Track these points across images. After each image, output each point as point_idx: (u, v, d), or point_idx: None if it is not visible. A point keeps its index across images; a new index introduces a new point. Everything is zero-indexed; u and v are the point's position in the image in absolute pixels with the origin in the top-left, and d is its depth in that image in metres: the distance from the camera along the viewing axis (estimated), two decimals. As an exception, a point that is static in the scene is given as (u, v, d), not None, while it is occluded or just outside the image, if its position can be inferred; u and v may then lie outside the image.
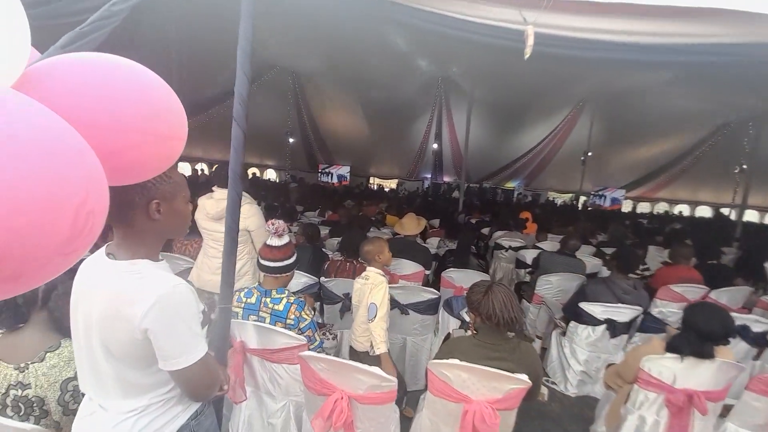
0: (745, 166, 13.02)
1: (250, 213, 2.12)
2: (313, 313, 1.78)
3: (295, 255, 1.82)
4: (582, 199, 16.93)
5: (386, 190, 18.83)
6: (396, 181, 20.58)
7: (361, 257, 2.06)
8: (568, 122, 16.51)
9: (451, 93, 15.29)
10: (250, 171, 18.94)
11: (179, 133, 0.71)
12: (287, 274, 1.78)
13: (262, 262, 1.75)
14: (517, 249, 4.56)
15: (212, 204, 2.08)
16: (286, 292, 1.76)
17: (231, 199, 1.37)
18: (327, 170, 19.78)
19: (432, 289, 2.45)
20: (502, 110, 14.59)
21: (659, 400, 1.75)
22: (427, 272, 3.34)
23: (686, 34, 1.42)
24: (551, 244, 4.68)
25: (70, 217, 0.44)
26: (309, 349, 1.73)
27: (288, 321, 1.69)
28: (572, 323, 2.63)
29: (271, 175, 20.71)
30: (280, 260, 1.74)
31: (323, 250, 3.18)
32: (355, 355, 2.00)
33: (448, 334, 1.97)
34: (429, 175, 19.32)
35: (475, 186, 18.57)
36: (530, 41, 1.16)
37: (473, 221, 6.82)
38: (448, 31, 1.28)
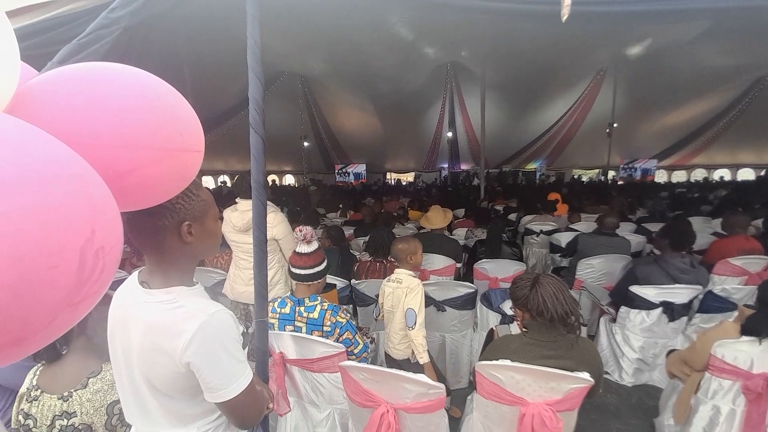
0: (791, 121, 11.92)
1: (276, 221, 2.09)
2: (348, 315, 1.73)
3: (326, 260, 1.77)
4: (611, 173, 16.09)
5: (404, 183, 18.66)
6: (413, 174, 20.40)
7: (393, 256, 1.97)
8: (588, 94, 15.73)
9: (461, 78, 14.91)
10: (270, 178, 19.36)
11: (195, 145, 0.64)
12: (319, 281, 1.73)
13: (294, 270, 1.71)
14: (549, 233, 4.34)
15: (237, 216, 2.07)
16: (319, 298, 1.72)
17: (256, 209, 1.32)
18: (344, 170, 19.89)
19: (467, 283, 2.34)
20: (516, 89, 14.08)
21: (735, 388, 1.58)
22: (459, 265, 3.22)
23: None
24: (586, 224, 4.43)
25: (74, 261, 0.37)
26: (354, 353, 1.68)
27: (325, 328, 1.65)
28: (623, 308, 2.44)
29: (290, 180, 21.06)
30: (310, 267, 1.69)
31: (350, 251, 3.13)
32: (393, 363, 1.92)
33: (491, 330, 1.85)
34: (446, 165, 19.00)
35: (494, 171, 18.07)
36: (567, 0, 1.03)
37: (498, 208, 6.59)
38: (479, 4, 1.16)
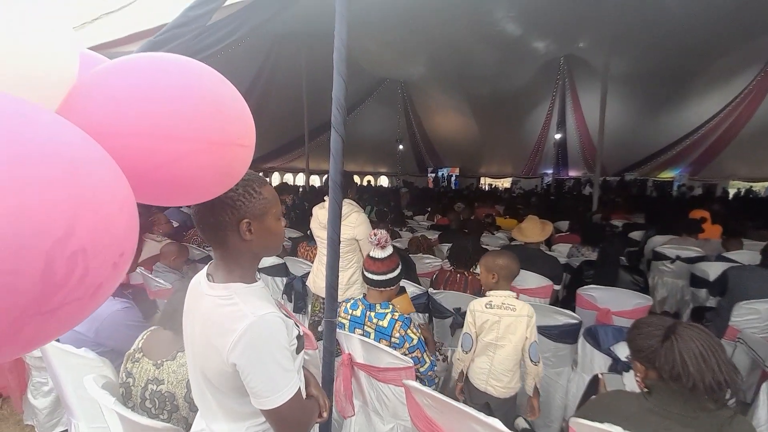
0: None
1: (359, 221, 2.11)
2: (419, 331, 1.61)
3: (400, 267, 1.70)
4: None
5: (500, 190, 17.46)
6: (510, 179, 18.94)
7: (493, 271, 1.70)
8: (756, 87, 12.07)
9: (576, 72, 13.22)
10: (366, 179, 20.53)
11: (241, 139, 0.61)
12: (392, 287, 1.66)
13: (366, 274, 1.68)
14: (691, 261, 3.40)
15: (324, 213, 2.16)
16: (391, 306, 1.65)
17: (332, 209, 1.31)
18: (436, 172, 19.73)
19: (569, 312, 1.97)
20: (649, 83, 11.77)
21: None
22: (557, 287, 2.77)
23: None
24: (749, 254, 3.33)
25: (38, 264, 0.31)
26: (420, 372, 1.57)
27: (393, 339, 1.57)
28: (810, 380, 1.71)
29: (383, 181, 21.95)
30: (383, 273, 1.64)
31: (409, 255, 2.98)
32: (479, 395, 1.69)
33: (596, 378, 1.49)
34: (550, 171, 17.06)
35: (613, 179, 15.38)
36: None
37: (616, 223, 5.52)
38: None
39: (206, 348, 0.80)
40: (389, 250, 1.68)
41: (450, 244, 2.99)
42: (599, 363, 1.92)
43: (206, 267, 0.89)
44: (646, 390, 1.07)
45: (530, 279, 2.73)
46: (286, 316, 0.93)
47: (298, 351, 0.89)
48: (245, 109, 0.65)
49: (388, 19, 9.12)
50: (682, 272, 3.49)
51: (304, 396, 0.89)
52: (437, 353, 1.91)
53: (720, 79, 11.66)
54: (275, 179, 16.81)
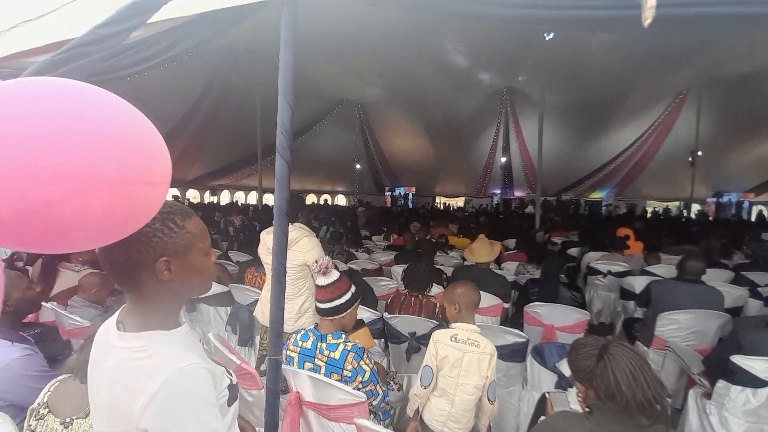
0: None
1: (310, 246, 2.03)
2: (373, 361, 1.55)
3: (351, 292, 1.63)
4: (695, 207, 14.02)
5: (453, 209, 18.20)
6: (463, 198, 19.88)
7: (454, 301, 1.63)
8: (666, 118, 14.20)
9: (517, 102, 14.50)
10: (323, 197, 20.25)
11: (151, 175, 0.54)
12: (342, 315, 1.59)
13: (317, 305, 1.61)
14: (619, 275, 3.76)
15: (271, 238, 2.05)
16: (343, 336, 1.57)
17: (277, 238, 1.24)
18: (393, 191, 20.06)
19: (517, 331, 2.03)
20: (579, 114, 13.26)
21: None
22: (506, 305, 2.88)
23: None
24: (667, 268, 3.77)
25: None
26: (373, 405, 1.50)
27: (345, 372, 1.49)
28: (721, 382, 1.93)
29: (341, 200, 21.82)
30: (329, 300, 1.57)
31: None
32: None
33: (543, 398, 1.53)
34: (498, 191, 18.22)
35: (552, 199, 16.82)
36: (650, 2, 0.82)
37: (556, 240, 5.98)
38: (535, 12, 1.00)
39: (112, 412, 0.67)
40: (334, 276, 1.62)
41: (405, 266, 3.00)
42: (546, 380, 2.00)
43: (117, 313, 0.76)
44: (587, 410, 1.11)
45: (482, 298, 2.80)
46: (216, 363, 0.83)
47: (230, 403, 0.79)
48: (158, 141, 0.57)
49: (343, 42, 9.35)
50: (613, 286, 3.84)
51: None
52: (391, 382, 1.85)
53: (635, 112, 13.54)
54: (225, 197, 15.92)
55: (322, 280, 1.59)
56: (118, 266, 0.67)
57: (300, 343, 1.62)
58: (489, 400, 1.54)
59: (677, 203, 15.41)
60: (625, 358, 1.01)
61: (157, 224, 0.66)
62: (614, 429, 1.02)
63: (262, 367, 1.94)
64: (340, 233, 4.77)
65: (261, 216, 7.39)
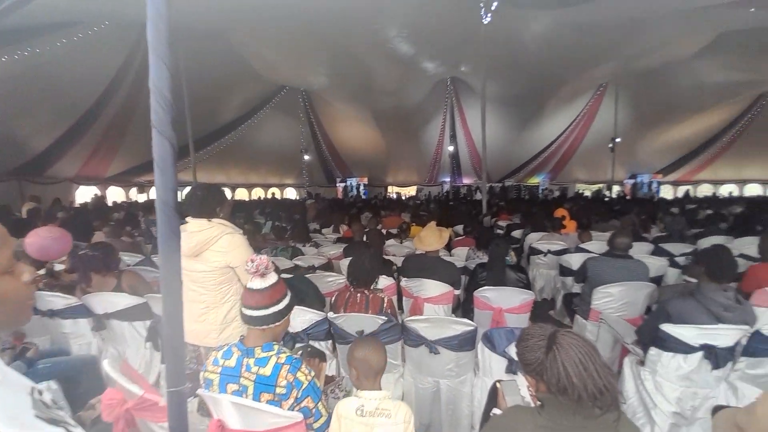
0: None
1: (233, 245, 1.73)
2: (313, 374, 1.32)
3: (288, 297, 1.39)
4: (615, 188, 15.71)
5: (404, 198, 18.35)
6: (415, 187, 20.16)
7: (348, 363, 1.40)
8: (590, 109, 15.62)
9: (462, 92, 14.90)
10: (270, 191, 19.17)
11: None
12: (277, 323, 1.34)
13: (245, 311, 1.33)
14: (558, 253, 3.95)
15: (185, 238, 1.71)
16: (276, 348, 1.33)
17: (164, 239, 0.96)
18: (345, 182, 19.67)
19: (465, 320, 1.95)
20: (517, 104, 14.01)
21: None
22: (457, 292, 2.83)
23: None
24: (599, 244, 4.04)
25: None
26: (314, 429, 1.28)
27: (278, 389, 1.25)
28: (653, 350, 2.04)
29: (291, 193, 20.87)
30: (265, 307, 1.31)
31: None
32: None
33: (495, 387, 1.45)
34: (448, 179, 18.76)
35: (497, 185, 17.76)
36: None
37: (502, 224, 6.21)
38: None
39: None
40: (272, 279, 1.36)
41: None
42: (497, 365, 1.95)
43: None
44: (539, 403, 1.03)
45: (432, 287, 2.72)
46: (51, 421, 0.56)
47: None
48: None
49: (282, 24, 8.70)
50: (552, 264, 4.03)
51: None
52: (336, 389, 1.66)
53: (565, 102, 14.68)
54: (151, 194, 14.22)
55: (258, 283, 1.33)
56: None
57: (221, 361, 1.34)
58: None
59: (601, 185, 17.18)
60: (574, 348, 0.93)
61: None
62: (564, 423, 0.94)
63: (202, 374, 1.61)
64: (283, 228, 4.42)
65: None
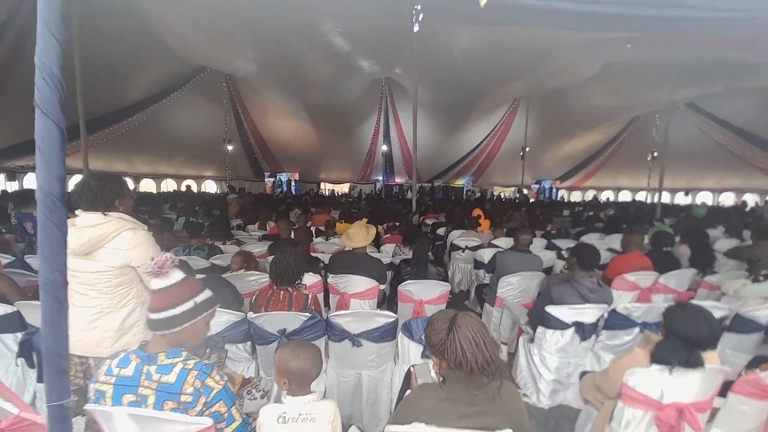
0: (656, 154, 14.78)
1: (135, 242, 1.55)
2: (225, 379, 1.26)
3: (198, 298, 1.29)
4: (525, 191, 17.90)
5: (338, 194, 18.23)
6: (348, 185, 20.14)
7: (279, 372, 1.32)
8: (506, 120, 17.44)
9: (396, 94, 15.34)
10: (185, 183, 17.22)
11: None
12: (181, 327, 1.23)
13: (148, 314, 1.22)
14: (473, 249, 4.38)
15: (74, 234, 1.48)
16: (183, 354, 1.23)
17: (44, 235, 0.84)
18: (275, 177, 18.71)
19: (387, 312, 2.07)
20: (446, 109, 14.97)
21: (647, 418, 1.55)
22: (382, 287, 2.96)
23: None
24: (507, 240, 4.59)
25: None
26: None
27: (183, 397, 1.17)
28: (540, 328, 2.42)
29: (210, 187, 19.07)
30: (168, 308, 1.21)
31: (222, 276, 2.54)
32: None
33: (409, 371, 1.59)
34: (380, 177, 19.17)
35: (426, 185, 18.76)
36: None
37: (428, 222, 6.62)
38: None
39: None
40: (176, 276, 1.25)
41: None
42: (414, 352, 2.11)
43: None
44: (441, 379, 1.16)
45: (358, 283, 2.80)
46: None
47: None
48: None
49: (204, 1, 7.91)
50: (469, 258, 4.46)
51: None
52: (253, 390, 1.62)
53: (487, 112, 16.16)
54: (32, 182, 11.70)
55: (158, 282, 1.21)
56: None
57: (115, 370, 1.20)
58: None
59: (512, 188, 19.42)
60: (468, 327, 1.09)
61: None
62: (462, 393, 1.09)
63: (89, 394, 1.40)
64: (199, 224, 4.05)
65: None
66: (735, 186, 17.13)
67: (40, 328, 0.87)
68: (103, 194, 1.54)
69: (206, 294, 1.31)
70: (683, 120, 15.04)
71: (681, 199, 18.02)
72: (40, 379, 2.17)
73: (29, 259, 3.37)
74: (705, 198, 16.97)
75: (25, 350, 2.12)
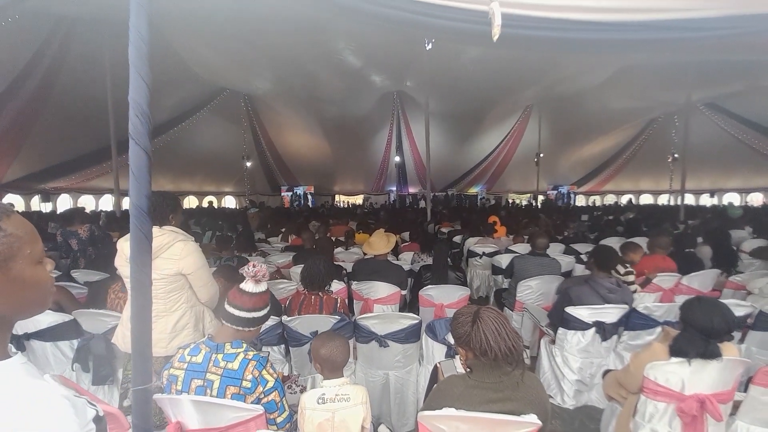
0: (677, 155, 14.42)
1: (185, 252, 1.74)
2: (276, 373, 1.42)
3: (268, 309, 1.48)
4: (540, 197, 17.69)
5: (351, 206, 18.49)
6: (362, 196, 20.42)
7: (314, 358, 1.56)
8: (518, 127, 17.43)
9: (407, 106, 15.64)
10: (207, 200, 17.90)
11: None
12: (255, 328, 1.43)
13: (230, 309, 1.39)
14: (491, 255, 4.44)
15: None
16: (244, 345, 1.40)
17: (136, 243, 1.02)
18: (291, 191, 19.19)
19: (411, 314, 2.18)
20: (458, 119, 15.12)
21: (670, 410, 1.59)
22: (404, 292, 3.08)
23: (658, 9, 1.34)
24: (525, 246, 4.63)
25: None
26: (277, 423, 1.38)
27: (244, 383, 1.33)
28: (561, 330, 2.47)
29: (230, 202, 19.70)
30: (252, 310, 1.39)
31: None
32: None
33: (435, 367, 1.69)
34: (394, 188, 19.37)
35: (440, 194, 18.83)
36: (497, 20, 0.98)
37: (444, 230, 6.70)
38: (409, 16, 1.07)
39: None
40: (263, 286, 1.44)
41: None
42: (438, 353, 2.21)
43: None
44: (468, 369, 1.27)
45: (381, 289, 2.93)
46: (75, 393, 0.64)
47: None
48: None
49: (223, 26, 8.43)
50: (486, 264, 4.51)
51: None
52: (293, 385, 1.76)
53: (498, 120, 16.23)
54: (65, 203, 12.44)
55: (251, 287, 1.40)
56: None
57: (188, 358, 1.38)
58: None
59: (528, 194, 19.21)
60: (491, 319, 1.20)
61: None
62: (487, 381, 1.19)
63: (125, 403, 1.59)
64: (228, 237, 4.29)
65: (119, 224, 6.00)
66: (763, 185, 16.44)
67: (130, 320, 1.04)
68: (161, 209, 1.74)
69: (270, 306, 1.50)
70: (704, 120, 14.68)
71: (706, 201, 17.42)
72: (94, 382, 2.37)
73: (75, 274, 3.67)
74: (732, 198, 16.34)
75: (82, 355, 2.33)
